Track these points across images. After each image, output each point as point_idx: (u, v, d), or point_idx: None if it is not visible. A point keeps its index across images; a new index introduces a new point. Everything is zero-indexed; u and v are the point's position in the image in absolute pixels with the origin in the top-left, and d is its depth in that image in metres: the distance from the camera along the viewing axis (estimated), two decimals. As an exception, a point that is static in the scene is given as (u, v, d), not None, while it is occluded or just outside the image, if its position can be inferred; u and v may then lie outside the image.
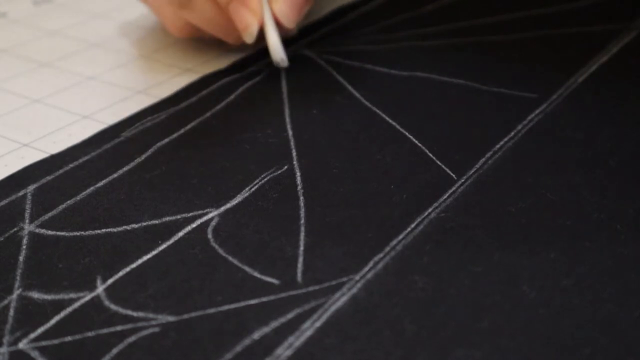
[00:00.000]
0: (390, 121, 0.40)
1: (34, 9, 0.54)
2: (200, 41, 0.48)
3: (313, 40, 0.48)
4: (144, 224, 0.34)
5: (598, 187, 0.35)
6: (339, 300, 0.30)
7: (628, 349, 0.28)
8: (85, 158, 0.38)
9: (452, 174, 0.36)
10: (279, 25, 0.44)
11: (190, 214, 0.34)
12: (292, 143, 0.39)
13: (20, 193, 0.36)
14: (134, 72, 0.46)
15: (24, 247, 0.33)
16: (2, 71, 0.46)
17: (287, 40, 0.46)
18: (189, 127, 0.40)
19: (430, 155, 0.38)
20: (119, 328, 0.29)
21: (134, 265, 0.32)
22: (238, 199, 0.35)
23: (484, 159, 0.37)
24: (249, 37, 0.44)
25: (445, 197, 0.35)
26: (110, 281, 0.31)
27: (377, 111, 0.41)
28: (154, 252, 0.33)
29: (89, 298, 0.31)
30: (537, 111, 0.40)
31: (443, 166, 0.37)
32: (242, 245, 0.33)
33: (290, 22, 0.44)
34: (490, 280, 0.31)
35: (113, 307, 0.30)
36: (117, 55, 0.48)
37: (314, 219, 0.34)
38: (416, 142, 0.38)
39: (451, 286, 0.30)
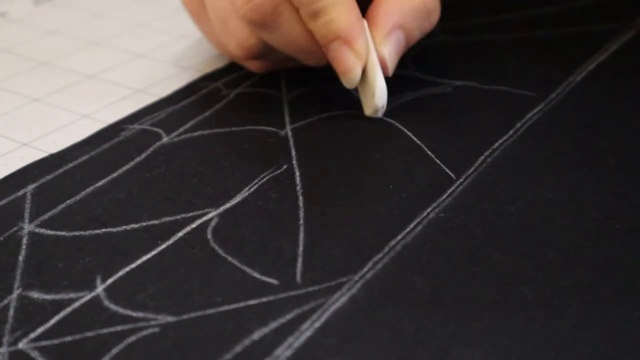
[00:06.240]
0: (390, 120, 0.40)
1: (34, 8, 0.54)
2: (199, 39, 0.48)
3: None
4: (144, 224, 0.34)
5: (597, 186, 0.35)
6: (339, 300, 0.30)
7: (628, 349, 0.28)
8: (85, 157, 0.38)
9: (451, 173, 0.36)
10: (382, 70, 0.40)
11: (190, 214, 0.34)
12: (291, 142, 0.39)
13: (20, 193, 0.36)
14: (133, 70, 0.46)
15: (24, 246, 0.33)
16: (2, 70, 0.46)
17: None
18: (188, 126, 0.40)
19: (430, 154, 0.38)
20: (118, 328, 0.29)
21: (133, 265, 0.32)
22: (237, 199, 0.35)
23: (482, 158, 0.37)
24: (350, 82, 0.39)
25: (444, 197, 0.35)
26: (109, 281, 0.31)
27: (377, 110, 0.41)
28: (154, 252, 0.33)
29: (89, 298, 0.31)
30: (535, 110, 0.40)
31: (442, 165, 0.37)
32: (241, 246, 0.33)
33: (393, 68, 0.40)
34: (489, 280, 0.31)
35: (113, 307, 0.30)
36: (117, 54, 0.48)
37: (313, 219, 0.34)
38: (415, 140, 0.38)
39: (450, 286, 0.30)
